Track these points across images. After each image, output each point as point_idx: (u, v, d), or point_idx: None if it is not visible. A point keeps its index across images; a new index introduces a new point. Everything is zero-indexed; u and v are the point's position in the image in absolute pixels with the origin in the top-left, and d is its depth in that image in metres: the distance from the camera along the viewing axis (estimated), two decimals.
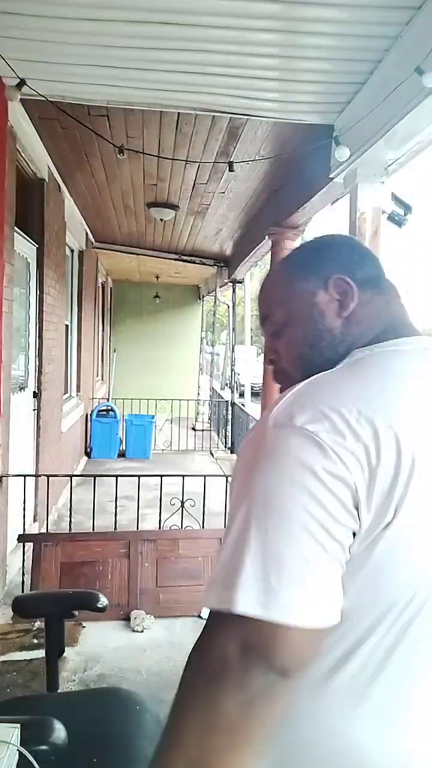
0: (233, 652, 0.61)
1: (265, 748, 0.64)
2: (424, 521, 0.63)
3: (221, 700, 0.61)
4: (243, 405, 8.76)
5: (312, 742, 0.68)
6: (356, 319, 0.82)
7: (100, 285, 9.66)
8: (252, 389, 10.35)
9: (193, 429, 10.02)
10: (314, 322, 0.84)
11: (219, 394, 11.06)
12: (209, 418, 11.02)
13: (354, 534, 0.63)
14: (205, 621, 0.65)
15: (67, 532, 3.61)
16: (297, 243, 6.15)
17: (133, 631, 3.04)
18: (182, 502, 3.64)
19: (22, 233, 4.03)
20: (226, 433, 9.20)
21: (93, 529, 3.62)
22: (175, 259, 8.74)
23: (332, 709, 0.67)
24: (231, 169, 3.86)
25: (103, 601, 1.66)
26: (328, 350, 0.82)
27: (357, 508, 0.62)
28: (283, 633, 0.60)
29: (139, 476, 3.72)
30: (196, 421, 10.70)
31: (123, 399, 9.45)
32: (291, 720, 0.67)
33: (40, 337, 4.58)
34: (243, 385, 10.66)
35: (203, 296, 13.06)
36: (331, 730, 0.67)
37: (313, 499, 0.61)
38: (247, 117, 3.31)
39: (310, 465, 0.62)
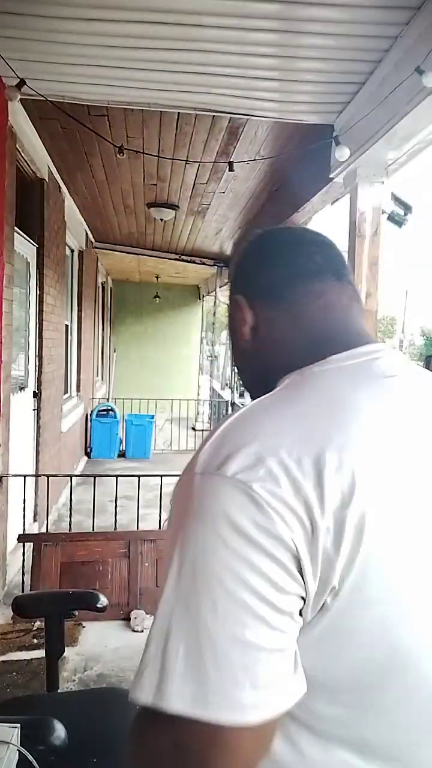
0: (166, 759, 0.51)
1: None
2: (375, 586, 0.52)
3: None
4: (243, 405, 8.74)
5: None
6: (264, 337, 0.74)
7: (100, 285, 9.66)
8: None
9: (193, 429, 10.02)
10: (233, 337, 0.78)
11: (219, 394, 11.06)
12: (209, 418, 11.02)
13: (304, 599, 0.52)
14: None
15: (67, 532, 3.61)
16: None
17: (133, 631, 3.04)
18: None
19: (22, 233, 4.03)
20: None
21: (93, 529, 3.62)
22: (175, 259, 8.74)
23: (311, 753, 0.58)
24: (231, 169, 3.86)
25: (103, 601, 1.65)
26: (250, 366, 0.78)
27: (301, 571, 0.51)
28: (220, 735, 0.49)
29: (139, 476, 3.72)
30: (196, 421, 10.70)
31: (123, 399, 9.46)
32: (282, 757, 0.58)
33: (40, 337, 4.58)
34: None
35: (203, 296, 13.06)
36: None
37: (249, 567, 0.50)
38: (247, 117, 3.31)
39: (243, 525, 0.51)
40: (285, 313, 0.73)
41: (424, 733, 0.58)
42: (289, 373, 0.67)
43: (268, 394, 0.64)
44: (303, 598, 0.52)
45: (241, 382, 0.80)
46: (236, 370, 0.80)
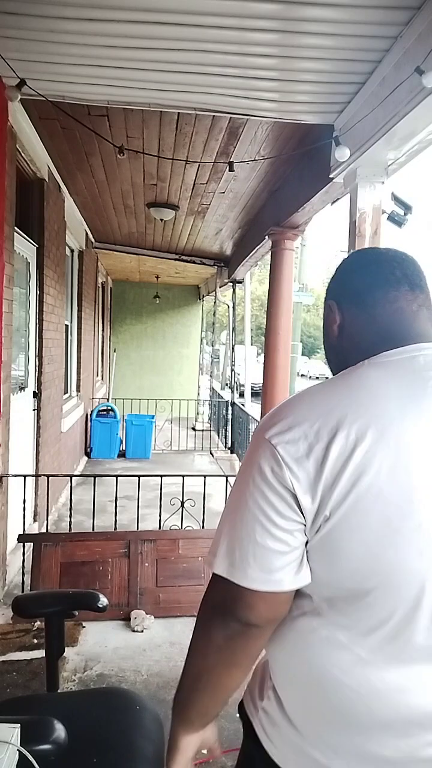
0: (218, 602, 0.85)
1: (250, 669, 0.91)
2: (364, 517, 0.76)
3: (212, 633, 0.86)
4: (243, 405, 8.76)
5: (320, 673, 0.84)
6: (347, 333, 0.95)
7: (99, 285, 9.65)
8: (252, 389, 10.35)
9: (193, 429, 10.02)
10: (325, 335, 1.00)
11: (219, 394, 11.07)
12: (209, 418, 11.02)
13: (304, 526, 0.79)
14: None
15: (67, 532, 3.61)
16: (297, 243, 6.16)
17: (133, 631, 3.04)
18: (182, 502, 3.64)
19: (22, 233, 4.03)
20: (225, 433, 9.20)
21: (93, 529, 3.62)
22: (175, 259, 8.74)
23: (329, 650, 0.83)
24: (231, 169, 3.86)
25: (103, 601, 1.65)
26: (334, 358, 0.99)
27: (299, 505, 0.78)
28: (243, 594, 0.82)
29: (139, 476, 3.72)
30: (196, 421, 10.70)
31: (123, 399, 9.46)
32: (300, 653, 0.86)
33: (40, 337, 4.59)
34: (243, 385, 10.67)
35: (203, 296, 13.06)
36: (332, 666, 0.82)
37: (263, 497, 0.80)
38: (247, 117, 3.30)
39: (265, 471, 0.80)
40: (364, 314, 0.93)
41: (406, 643, 0.79)
42: (355, 365, 0.88)
43: (325, 380, 0.88)
44: (302, 522, 0.79)
45: (329, 365, 1.02)
46: (326, 361, 1.02)
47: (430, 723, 0.80)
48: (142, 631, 3.03)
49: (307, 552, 0.81)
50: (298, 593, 0.85)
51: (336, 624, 0.82)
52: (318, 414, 0.80)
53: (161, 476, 3.68)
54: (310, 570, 0.82)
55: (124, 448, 8.08)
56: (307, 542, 0.81)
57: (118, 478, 3.75)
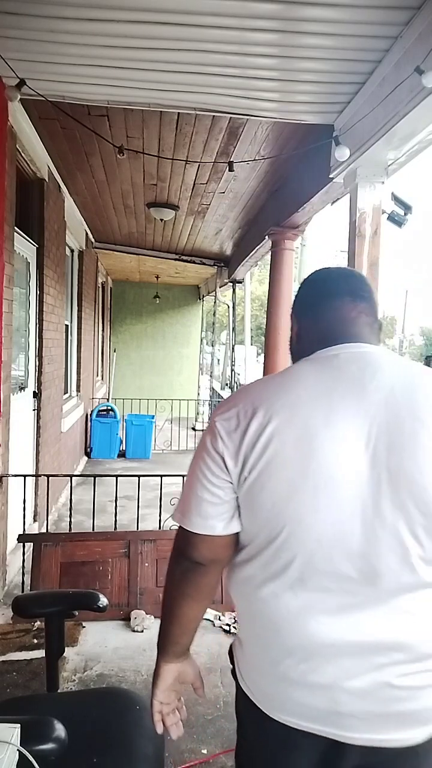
0: (175, 544, 1.10)
1: (204, 602, 1.14)
2: (269, 480, 0.97)
3: (172, 571, 1.12)
4: None
5: (247, 605, 1.07)
6: (302, 338, 1.16)
7: (99, 285, 9.65)
8: None
9: (193, 429, 10.02)
10: (290, 341, 1.23)
11: (219, 394, 11.06)
12: (209, 418, 11.00)
13: (232, 484, 1.02)
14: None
15: (67, 532, 3.61)
16: (297, 243, 6.16)
17: (133, 631, 3.04)
18: None
19: (22, 233, 4.03)
20: None
21: (93, 529, 3.62)
22: (175, 259, 8.74)
23: (252, 586, 1.04)
24: (231, 169, 3.86)
25: (103, 601, 1.65)
26: (295, 359, 1.16)
27: (227, 469, 1.01)
28: (187, 536, 1.06)
29: (139, 476, 3.72)
30: (196, 421, 10.70)
31: (123, 399, 9.46)
32: (237, 590, 1.09)
33: (40, 337, 4.59)
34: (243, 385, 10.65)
35: (203, 296, 13.06)
36: (254, 599, 1.03)
37: (204, 462, 1.04)
38: (247, 117, 3.30)
39: (205, 443, 1.05)
40: (313, 321, 1.14)
41: (309, 584, 0.97)
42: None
43: (271, 374, 1.23)
44: (229, 481, 1.01)
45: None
46: (291, 361, 1.19)
47: (326, 651, 0.97)
48: (142, 631, 3.03)
49: (238, 506, 1.04)
50: (238, 545, 1.07)
51: (255, 565, 1.03)
52: (250, 400, 1.02)
53: (161, 476, 3.68)
54: (240, 523, 1.04)
55: (124, 448, 8.08)
56: (237, 499, 1.03)
57: (118, 478, 3.75)
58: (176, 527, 1.09)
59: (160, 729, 1.16)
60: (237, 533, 1.05)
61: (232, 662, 1.17)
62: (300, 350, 1.13)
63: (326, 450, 0.94)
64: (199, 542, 1.05)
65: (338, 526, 0.94)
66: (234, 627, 3.07)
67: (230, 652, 1.19)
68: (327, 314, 1.12)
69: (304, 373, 1.04)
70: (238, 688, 1.12)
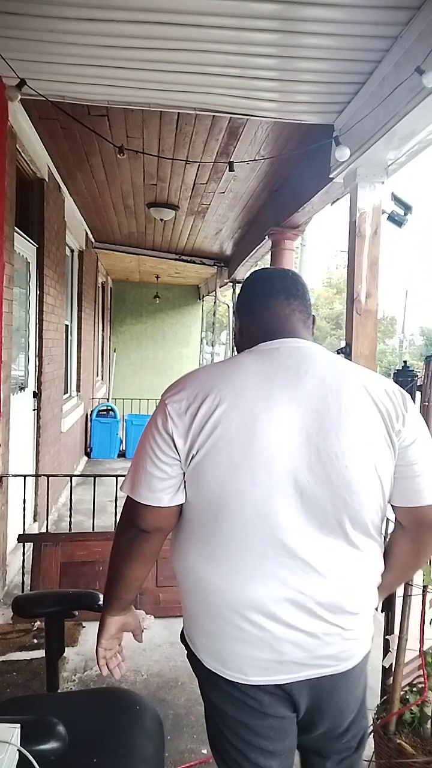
0: (123, 512, 1.21)
1: (148, 565, 1.27)
2: (215, 458, 1.08)
3: (120, 537, 1.23)
4: None
5: (191, 574, 1.19)
6: (244, 334, 1.29)
7: (99, 285, 9.65)
8: None
9: None
10: (233, 337, 1.40)
11: None
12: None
13: (179, 461, 1.12)
14: None
15: (67, 532, 3.61)
16: (297, 243, 6.16)
17: None
18: None
19: (22, 233, 4.03)
20: None
21: (93, 529, 3.62)
22: (175, 259, 8.74)
23: (195, 555, 1.16)
24: (231, 169, 3.85)
25: None
26: (238, 348, 1.30)
27: (175, 448, 1.11)
28: (135, 506, 1.17)
29: None
30: None
31: (123, 399, 9.46)
32: (181, 560, 1.21)
33: (40, 337, 4.58)
34: None
35: (203, 296, 13.06)
36: (198, 567, 1.16)
37: (153, 440, 1.13)
38: (247, 117, 3.30)
39: (157, 422, 1.14)
40: (250, 318, 1.28)
41: (246, 549, 1.10)
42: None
43: (214, 363, 1.34)
44: (177, 459, 1.12)
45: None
46: (233, 345, 1.40)
47: (264, 609, 1.11)
48: (142, 631, 3.03)
49: (184, 482, 1.14)
50: (182, 516, 1.18)
51: (199, 535, 1.15)
52: (199, 384, 1.13)
53: None
54: (184, 495, 1.15)
55: (124, 448, 8.08)
56: (183, 474, 1.13)
57: (118, 478, 3.75)
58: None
59: (105, 672, 1.35)
60: (180, 505, 1.17)
61: (186, 643, 1.29)
62: (242, 344, 1.28)
63: (266, 432, 1.08)
64: (147, 513, 1.16)
65: (273, 497, 1.08)
66: None
67: (183, 638, 1.31)
68: (264, 312, 1.25)
69: (247, 363, 1.17)
70: (198, 663, 1.23)
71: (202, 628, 1.19)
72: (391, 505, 1.20)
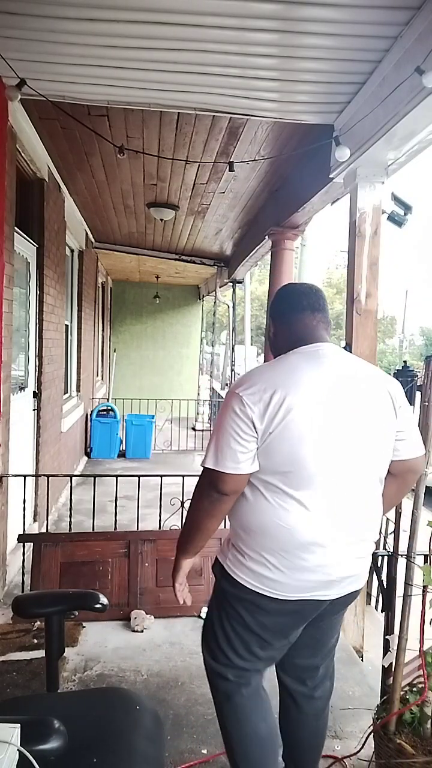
0: (206, 482, 1.55)
1: (220, 521, 1.62)
2: (288, 434, 1.47)
3: (202, 499, 1.57)
4: None
5: (266, 521, 1.54)
6: (279, 337, 1.72)
7: (100, 285, 9.65)
8: None
9: (193, 429, 10.02)
10: (267, 338, 1.80)
11: (219, 394, 11.05)
12: (209, 418, 11.02)
13: (256, 438, 1.49)
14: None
15: (67, 532, 3.61)
16: (297, 243, 6.16)
17: (133, 631, 3.04)
18: (182, 502, 3.63)
19: (22, 233, 4.03)
20: None
21: (93, 529, 3.62)
22: (175, 259, 8.74)
23: (270, 506, 1.52)
24: (231, 169, 3.85)
25: (103, 601, 1.66)
26: (274, 351, 1.72)
27: (254, 428, 1.48)
28: (220, 476, 1.51)
29: (139, 476, 3.72)
30: (196, 421, 10.70)
31: (123, 399, 9.46)
32: (254, 512, 1.55)
33: (40, 337, 4.58)
34: None
35: (203, 296, 13.06)
36: (273, 515, 1.52)
37: (233, 422, 1.49)
38: (247, 117, 3.30)
39: (235, 408, 1.50)
40: (285, 327, 1.70)
41: (308, 500, 1.50)
42: (283, 354, 1.64)
43: (268, 362, 1.67)
44: (255, 437, 1.48)
45: (270, 352, 1.79)
46: (270, 352, 1.74)
47: (324, 542, 1.51)
48: (142, 631, 3.03)
49: (258, 453, 1.51)
50: (253, 478, 1.54)
51: (272, 491, 1.52)
52: (265, 381, 1.51)
53: (161, 476, 3.68)
54: (258, 463, 1.51)
55: (124, 448, 8.08)
56: (258, 448, 1.50)
57: (118, 478, 3.75)
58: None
59: (182, 601, 1.75)
60: (252, 472, 1.52)
61: (225, 574, 1.63)
62: (277, 346, 1.71)
63: (322, 412, 1.50)
64: (230, 479, 1.51)
65: (330, 460, 1.50)
66: None
67: (217, 568, 1.69)
68: (296, 324, 1.67)
69: (297, 362, 1.57)
70: (239, 589, 1.59)
71: (267, 563, 1.54)
72: None
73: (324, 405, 1.49)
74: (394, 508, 2.08)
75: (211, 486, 1.53)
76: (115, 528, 3.65)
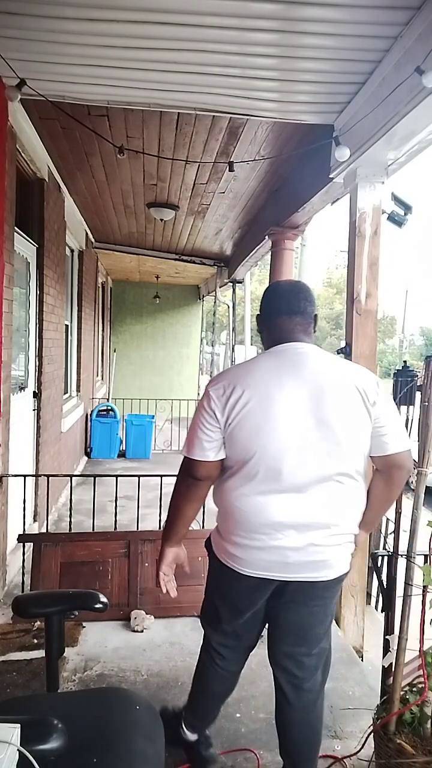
0: (182, 469, 1.76)
1: (199, 506, 1.82)
2: (245, 424, 1.62)
3: (180, 485, 1.78)
4: None
5: (229, 504, 1.71)
6: (262, 336, 1.85)
7: (99, 285, 9.65)
8: None
9: None
10: (258, 332, 1.90)
11: None
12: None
13: (220, 429, 1.66)
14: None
15: (67, 532, 3.61)
16: (297, 243, 6.16)
17: (133, 631, 3.04)
18: None
19: (22, 233, 4.03)
20: None
21: (93, 529, 3.62)
22: (175, 259, 8.74)
23: (233, 491, 1.69)
24: (231, 169, 3.85)
25: (103, 601, 1.65)
26: (264, 347, 1.84)
27: (217, 419, 1.65)
28: (192, 462, 1.71)
29: (139, 476, 3.72)
30: None
31: (123, 399, 9.46)
32: (222, 495, 1.73)
33: (40, 337, 4.58)
34: None
35: (203, 296, 13.05)
36: (234, 499, 1.69)
37: (201, 415, 1.68)
38: (247, 117, 3.30)
39: (203, 404, 1.68)
40: (265, 328, 1.84)
41: (267, 486, 1.65)
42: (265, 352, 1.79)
43: (242, 362, 1.86)
44: (218, 427, 1.67)
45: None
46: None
47: (279, 526, 1.64)
48: (142, 631, 3.03)
49: (223, 443, 1.68)
50: (223, 467, 1.72)
51: (235, 478, 1.68)
52: (230, 378, 1.68)
53: (161, 476, 3.68)
54: (224, 452, 1.69)
55: (124, 448, 8.07)
56: (223, 438, 1.67)
57: (118, 478, 3.75)
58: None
59: (165, 590, 1.89)
60: (221, 460, 1.70)
61: (210, 549, 1.86)
62: (263, 343, 1.84)
63: (278, 405, 1.62)
64: (200, 466, 1.70)
65: (285, 450, 1.61)
66: None
67: (207, 544, 1.89)
68: (274, 328, 1.79)
69: (263, 361, 1.72)
70: (217, 561, 1.81)
71: (232, 541, 1.71)
72: (370, 457, 1.72)
73: (285, 399, 1.61)
74: (394, 508, 2.07)
75: (186, 472, 1.73)
76: (115, 528, 3.65)
